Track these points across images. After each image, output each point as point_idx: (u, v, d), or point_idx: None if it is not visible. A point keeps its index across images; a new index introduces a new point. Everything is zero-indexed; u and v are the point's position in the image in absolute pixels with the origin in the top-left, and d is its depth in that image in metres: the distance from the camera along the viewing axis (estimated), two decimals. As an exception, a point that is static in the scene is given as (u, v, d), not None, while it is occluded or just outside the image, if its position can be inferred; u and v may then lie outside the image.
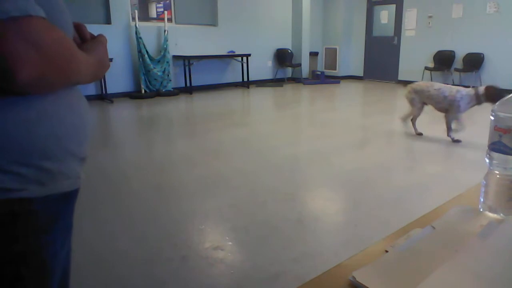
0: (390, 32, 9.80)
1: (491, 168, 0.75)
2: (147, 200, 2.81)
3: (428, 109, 4.44)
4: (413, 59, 9.25)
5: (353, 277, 0.57)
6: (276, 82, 10.04)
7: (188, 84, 8.09)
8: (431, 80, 8.92)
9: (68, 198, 0.68)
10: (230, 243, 2.21)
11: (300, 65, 10.17)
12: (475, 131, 4.87)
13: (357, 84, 9.96)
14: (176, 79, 8.20)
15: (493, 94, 3.73)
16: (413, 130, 4.53)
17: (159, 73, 7.71)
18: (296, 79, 10.28)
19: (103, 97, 7.10)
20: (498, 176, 0.74)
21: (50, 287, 0.68)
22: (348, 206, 2.74)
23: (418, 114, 4.41)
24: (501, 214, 0.75)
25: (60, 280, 0.73)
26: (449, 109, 4.06)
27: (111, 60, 7.06)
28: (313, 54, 10.65)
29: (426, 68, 8.70)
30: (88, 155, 0.72)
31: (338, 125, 5.32)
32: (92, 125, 0.75)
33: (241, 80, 9.09)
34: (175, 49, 8.03)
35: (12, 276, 0.62)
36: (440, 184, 3.02)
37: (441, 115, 4.28)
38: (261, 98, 7.93)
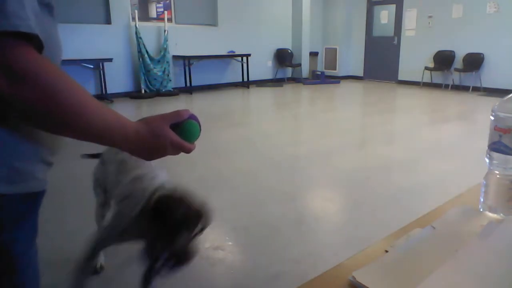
0: (390, 32, 9.80)
1: (491, 168, 0.75)
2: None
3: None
4: (413, 59, 9.25)
5: (353, 277, 0.57)
6: (276, 82, 10.04)
7: (188, 84, 8.09)
8: (431, 80, 8.92)
9: (35, 199, 0.71)
10: (230, 243, 2.21)
11: (300, 65, 10.17)
12: (475, 131, 4.87)
13: (357, 84, 9.96)
14: (176, 79, 8.20)
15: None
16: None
17: (159, 73, 7.71)
18: (296, 79, 10.28)
19: (103, 97, 7.10)
20: (498, 176, 0.74)
21: (24, 286, 0.71)
22: (348, 206, 2.74)
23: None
24: (501, 214, 0.75)
25: (33, 282, 0.75)
26: None
27: (110, 60, 7.07)
28: (313, 54, 10.65)
29: (426, 68, 8.70)
30: (54, 162, 0.75)
31: (338, 125, 5.32)
32: (63, 140, 0.76)
33: (241, 80, 9.09)
34: (175, 49, 8.03)
35: None
36: (440, 184, 3.02)
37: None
38: (261, 98, 7.93)
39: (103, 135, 0.63)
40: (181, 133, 0.70)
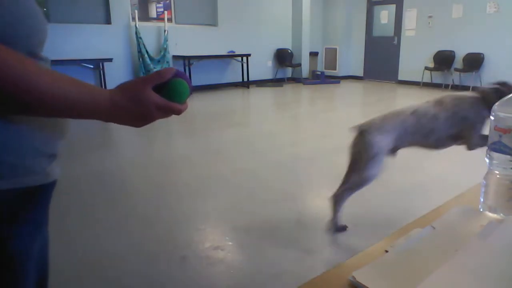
0: (390, 32, 9.79)
1: (491, 168, 0.75)
2: (147, 199, 2.81)
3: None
4: (413, 59, 9.25)
5: (353, 277, 0.56)
6: (276, 82, 10.04)
7: (188, 84, 8.09)
8: (431, 80, 8.91)
9: (35, 193, 0.67)
10: (230, 243, 2.21)
11: (300, 65, 10.17)
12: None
13: (357, 84, 9.95)
14: (176, 79, 8.20)
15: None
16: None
17: (159, 73, 7.71)
18: (296, 79, 10.27)
19: (103, 97, 7.11)
20: (498, 176, 0.74)
21: (21, 283, 0.68)
22: (348, 206, 2.74)
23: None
24: (501, 214, 0.74)
25: (38, 277, 0.72)
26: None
27: (110, 60, 7.07)
28: (313, 54, 10.65)
29: (426, 68, 8.70)
30: (59, 152, 0.70)
31: (338, 125, 5.31)
32: (67, 125, 0.71)
33: (241, 80, 9.09)
34: (175, 49, 8.03)
35: None
36: (440, 184, 3.02)
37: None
38: (261, 98, 7.93)
39: (66, 109, 0.59)
40: (168, 94, 0.65)
